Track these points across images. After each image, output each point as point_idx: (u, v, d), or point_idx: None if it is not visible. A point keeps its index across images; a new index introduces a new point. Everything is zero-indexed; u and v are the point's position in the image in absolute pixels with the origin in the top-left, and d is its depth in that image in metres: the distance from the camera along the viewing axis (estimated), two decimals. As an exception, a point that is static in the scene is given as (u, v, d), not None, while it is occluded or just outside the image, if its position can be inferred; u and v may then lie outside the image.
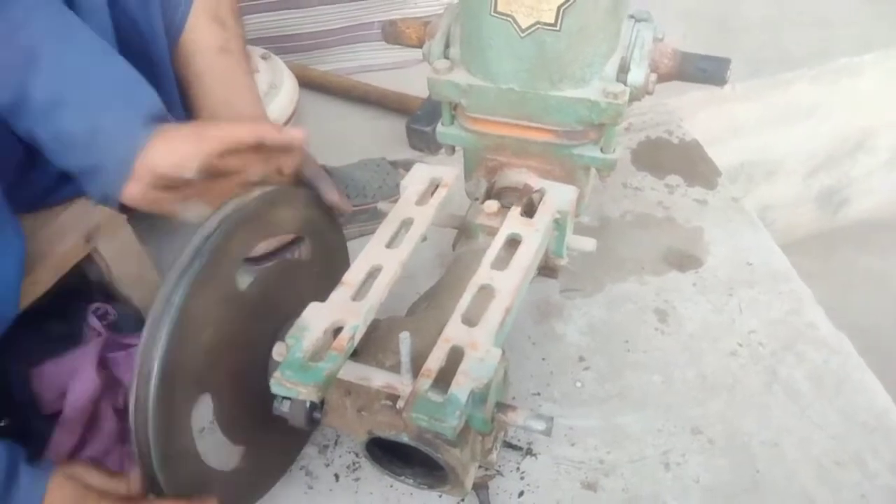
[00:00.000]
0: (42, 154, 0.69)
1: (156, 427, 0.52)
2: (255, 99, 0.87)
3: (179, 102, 0.82)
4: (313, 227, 0.70)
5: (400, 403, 0.54)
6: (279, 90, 1.17)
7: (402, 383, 0.53)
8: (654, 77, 0.72)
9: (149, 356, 0.52)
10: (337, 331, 0.55)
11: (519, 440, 0.79)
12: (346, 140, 1.20)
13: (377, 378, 0.55)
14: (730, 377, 0.83)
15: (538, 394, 0.83)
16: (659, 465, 0.76)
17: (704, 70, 0.74)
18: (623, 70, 0.71)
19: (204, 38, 0.82)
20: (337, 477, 0.77)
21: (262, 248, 0.85)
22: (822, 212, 1.56)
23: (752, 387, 0.82)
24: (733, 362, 0.84)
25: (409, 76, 1.30)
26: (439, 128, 0.79)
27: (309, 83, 1.30)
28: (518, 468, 0.76)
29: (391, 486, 0.75)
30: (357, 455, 0.78)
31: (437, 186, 0.69)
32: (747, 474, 0.75)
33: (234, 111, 0.82)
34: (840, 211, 1.59)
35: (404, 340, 0.52)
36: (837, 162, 1.47)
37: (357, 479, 0.76)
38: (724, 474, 0.75)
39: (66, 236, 0.78)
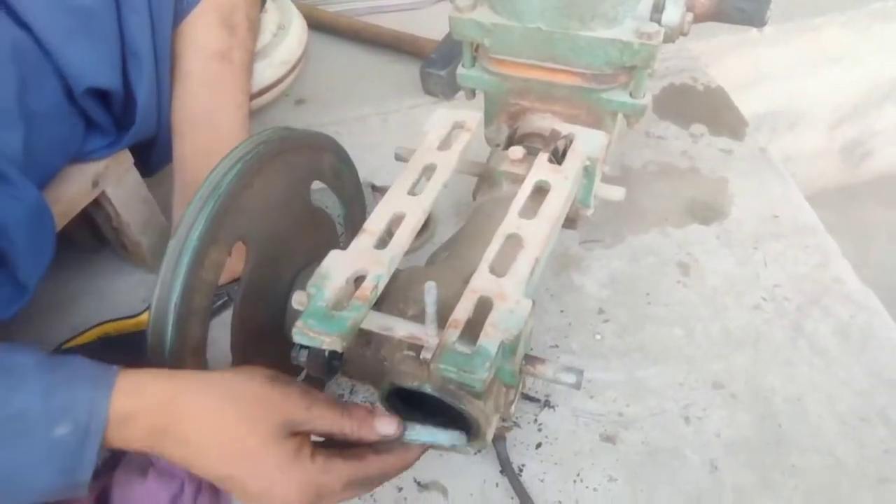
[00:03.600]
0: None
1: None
2: (241, 118, 0.80)
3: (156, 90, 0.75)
4: (333, 173, 0.67)
5: (424, 354, 0.52)
6: (287, 31, 1.12)
7: (426, 334, 0.51)
8: (689, 17, 0.68)
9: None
10: (359, 279, 0.53)
11: (537, 392, 0.78)
12: (357, 85, 1.16)
13: (400, 328, 0.53)
14: (753, 332, 0.81)
15: (556, 346, 0.81)
16: (679, 418, 0.75)
17: (743, 10, 0.70)
18: (657, 9, 0.67)
19: (203, 38, 0.75)
20: (353, 427, 0.76)
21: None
22: (844, 164, 1.52)
23: (777, 342, 0.80)
24: (757, 317, 0.83)
25: (422, 18, 1.24)
26: (460, 70, 0.76)
27: (318, 25, 1.25)
28: (536, 420, 0.75)
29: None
30: (373, 404, 0.77)
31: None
32: (770, 429, 0.74)
33: (213, 123, 0.75)
34: (863, 164, 1.55)
35: (430, 290, 0.50)
36: (863, 113, 1.42)
37: (373, 430, 0.75)
38: (746, 429, 0.74)
39: (73, 181, 0.76)
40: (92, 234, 0.88)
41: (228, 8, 0.75)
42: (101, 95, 0.71)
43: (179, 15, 0.73)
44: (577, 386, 0.52)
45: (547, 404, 0.77)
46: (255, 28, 0.80)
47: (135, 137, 0.76)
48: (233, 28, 0.76)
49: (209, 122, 0.75)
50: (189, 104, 0.75)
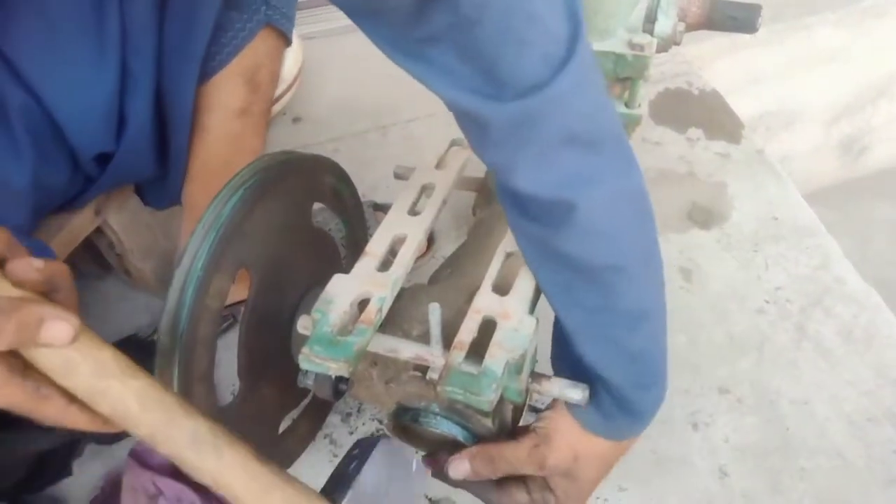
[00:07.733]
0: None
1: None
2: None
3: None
4: (333, 193, 0.68)
5: (430, 374, 0.53)
6: (283, 50, 1.12)
7: (432, 354, 0.52)
8: (681, 26, 0.69)
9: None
10: (363, 303, 0.53)
11: (543, 403, 0.78)
12: (354, 99, 1.17)
13: (406, 350, 0.53)
14: (758, 335, 0.81)
15: (561, 356, 0.81)
16: (687, 425, 0.75)
17: (735, 18, 0.70)
18: (649, 20, 0.68)
19: (226, 97, 0.74)
20: (362, 445, 0.76)
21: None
22: (841, 161, 1.53)
23: (781, 344, 0.81)
24: (761, 320, 0.83)
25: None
26: (455, 86, 0.76)
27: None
28: (544, 432, 0.76)
29: (415, 452, 0.75)
30: (381, 422, 0.78)
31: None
32: (777, 433, 0.74)
33: (229, 171, 0.75)
34: (860, 160, 1.55)
35: (434, 311, 0.50)
36: (859, 109, 1.43)
37: (382, 447, 0.76)
38: (754, 433, 0.74)
39: (76, 210, 0.76)
40: (95, 261, 0.88)
41: (253, 68, 0.74)
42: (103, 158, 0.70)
43: (204, 76, 0.72)
44: (584, 402, 0.52)
45: (554, 415, 0.77)
46: (276, 80, 0.79)
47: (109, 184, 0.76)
48: (256, 86, 0.75)
49: (225, 171, 0.74)
50: (206, 156, 0.75)
